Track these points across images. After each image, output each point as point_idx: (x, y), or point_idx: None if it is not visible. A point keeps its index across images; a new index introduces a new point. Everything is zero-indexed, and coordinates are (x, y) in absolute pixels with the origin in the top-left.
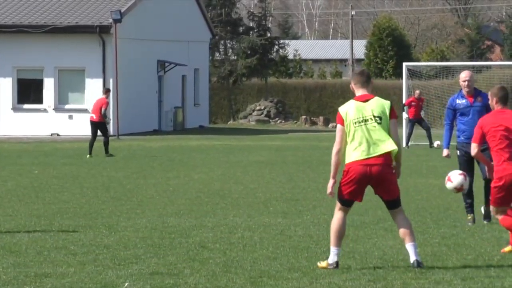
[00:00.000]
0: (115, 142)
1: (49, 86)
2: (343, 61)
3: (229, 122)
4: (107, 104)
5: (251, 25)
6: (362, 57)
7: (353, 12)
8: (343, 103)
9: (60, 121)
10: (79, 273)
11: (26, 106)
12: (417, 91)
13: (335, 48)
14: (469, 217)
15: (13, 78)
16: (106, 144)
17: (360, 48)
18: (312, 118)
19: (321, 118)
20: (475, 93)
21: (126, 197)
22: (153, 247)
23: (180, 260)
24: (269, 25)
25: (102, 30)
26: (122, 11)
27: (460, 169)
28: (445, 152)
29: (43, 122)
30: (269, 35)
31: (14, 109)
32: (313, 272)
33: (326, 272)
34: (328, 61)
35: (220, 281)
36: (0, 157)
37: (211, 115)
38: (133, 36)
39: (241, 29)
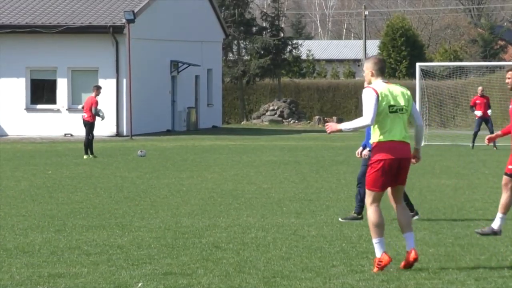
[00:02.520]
0: (128, 142)
1: (62, 87)
2: (356, 61)
3: (242, 122)
4: (97, 102)
5: (264, 25)
6: None
7: (366, 12)
8: (356, 103)
9: (73, 122)
10: (92, 273)
11: (39, 106)
12: (480, 88)
13: (348, 48)
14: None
15: (27, 78)
16: (87, 144)
17: (373, 48)
18: (325, 118)
19: (334, 118)
20: None
21: (139, 197)
22: (167, 247)
23: (193, 260)
24: (282, 25)
25: (115, 31)
26: (135, 11)
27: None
28: None
29: (56, 123)
30: (282, 35)
31: (28, 109)
32: (326, 273)
33: (339, 272)
34: (341, 61)
35: (233, 281)
36: (13, 158)
37: (224, 115)
38: (146, 36)
39: (254, 29)
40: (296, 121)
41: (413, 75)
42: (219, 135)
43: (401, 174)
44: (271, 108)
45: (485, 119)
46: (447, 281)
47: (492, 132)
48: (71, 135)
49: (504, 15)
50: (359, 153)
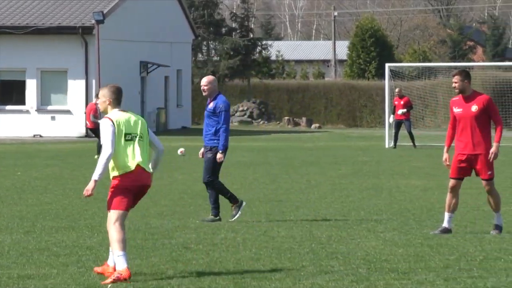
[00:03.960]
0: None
1: (31, 87)
2: (325, 62)
3: None
4: (96, 110)
5: (233, 26)
6: (345, 58)
7: (336, 13)
8: (325, 103)
9: (43, 122)
10: (62, 274)
11: (8, 107)
12: (397, 89)
13: (317, 49)
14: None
15: None
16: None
17: (342, 49)
18: (295, 119)
19: (304, 119)
20: (213, 98)
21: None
22: (136, 248)
23: (163, 261)
24: (252, 26)
25: (85, 31)
26: (104, 12)
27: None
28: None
29: (26, 123)
30: (251, 36)
31: None
32: (296, 273)
33: (309, 273)
34: (310, 62)
35: (203, 282)
36: None
37: (194, 116)
38: (116, 37)
39: (223, 30)
40: (266, 122)
41: (382, 76)
42: (188, 136)
43: (139, 199)
44: (240, 109)
45: (400, 121)
46: (417, 281)
47: (409, 132)
48: (40, 136)
49: (473, 15)
50: (201, 154)
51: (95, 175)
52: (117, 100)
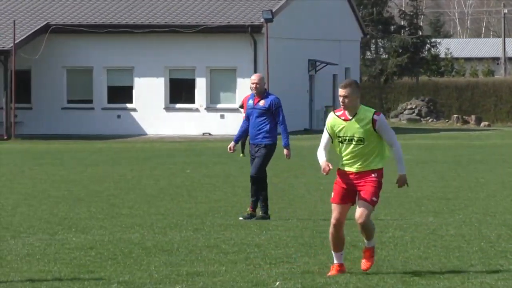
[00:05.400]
0: None
1: (200, 86)
2: (495, 59)
3: None
4: None
5: (402, 23)
6: None
7: (506, 10)
8: (495, 102)
9: (212, 121)
10: (230, 271)
11: (178, 105)
12: None
13: (487, 47)
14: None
15: (166, 78)
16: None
17: None
18: (464, 117)
19: (473, 117)
20: (263, 96)
21: (277, 196)
22: (304, 246)
23: (331, 259)
24: (421, 24)
25: (254, 30)
26: (273, 10)
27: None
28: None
29: (195, 122)
30: (420, 33)
31: (167, 108)
32: (465, 272)
33: (478, 271)
34: (480, 59)
35: (371, 280)
36: (152, 156)
37: None
38: (284, 36)
39: (392, 27)
40: (435, 120)
41: None
42: None
43: None
44: (409, 106)
45: None
46: None
47: None
48: (210, 134)
49: None
50: (231, 148)
51: (404, 170)
52: None
